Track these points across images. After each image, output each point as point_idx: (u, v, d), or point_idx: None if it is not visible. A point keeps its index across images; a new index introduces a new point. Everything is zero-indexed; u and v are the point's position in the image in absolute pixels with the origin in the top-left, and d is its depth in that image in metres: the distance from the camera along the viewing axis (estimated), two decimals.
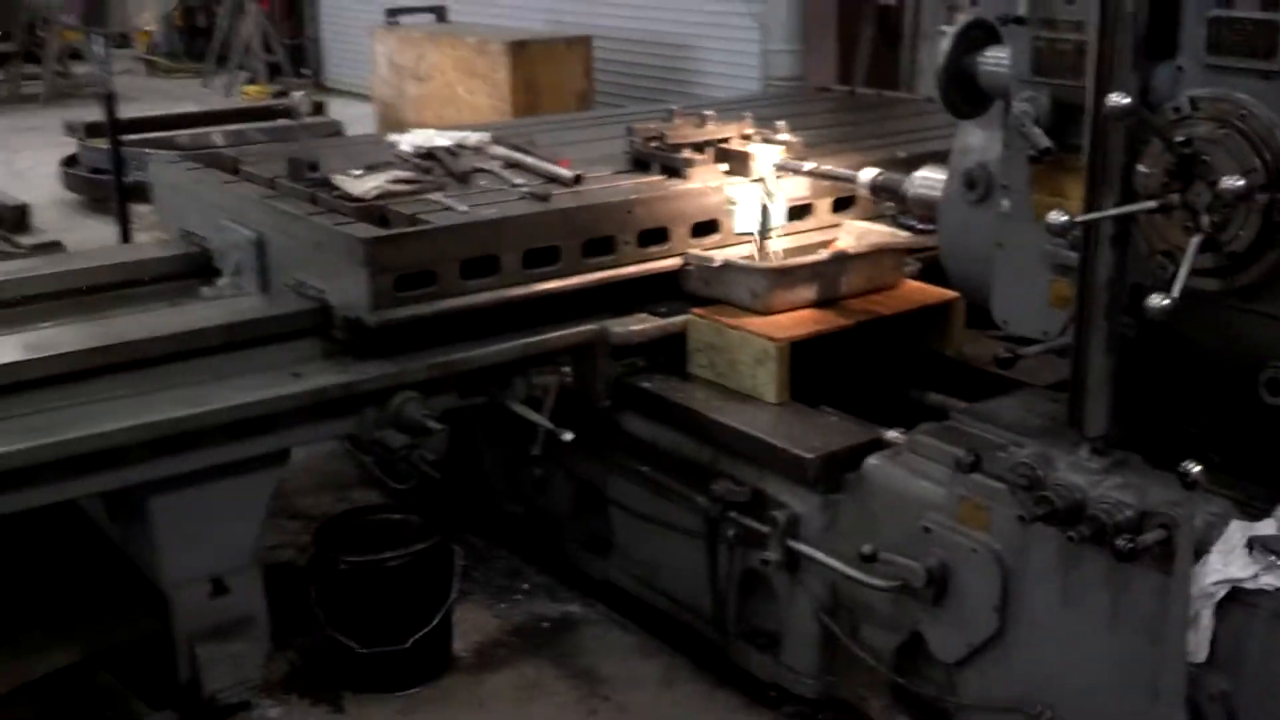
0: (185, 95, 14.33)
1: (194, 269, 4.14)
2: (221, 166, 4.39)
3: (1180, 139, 2.53)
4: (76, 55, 15.05)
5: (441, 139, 4.45)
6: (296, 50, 15.43)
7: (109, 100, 6.79)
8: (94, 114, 10.64)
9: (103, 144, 9.13)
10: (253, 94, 14.26)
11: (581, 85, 9.91)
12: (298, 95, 4.25)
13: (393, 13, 11.26)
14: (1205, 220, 2.51)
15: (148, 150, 8.60)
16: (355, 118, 10.98)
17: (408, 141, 4.44)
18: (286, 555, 4.31)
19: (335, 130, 9.79)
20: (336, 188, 3.82)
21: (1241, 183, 2.40)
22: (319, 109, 10.92)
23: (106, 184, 8.96)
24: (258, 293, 3.81)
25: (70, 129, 9.98)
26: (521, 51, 9.72)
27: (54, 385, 3.22)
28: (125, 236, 6.76)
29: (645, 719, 3.65)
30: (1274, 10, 2.48)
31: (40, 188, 9.52)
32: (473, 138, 4.50)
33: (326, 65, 15.61)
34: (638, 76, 10.28)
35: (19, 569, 3.58)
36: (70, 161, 9.73)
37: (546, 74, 9.84)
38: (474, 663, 3.91)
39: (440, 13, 11.38)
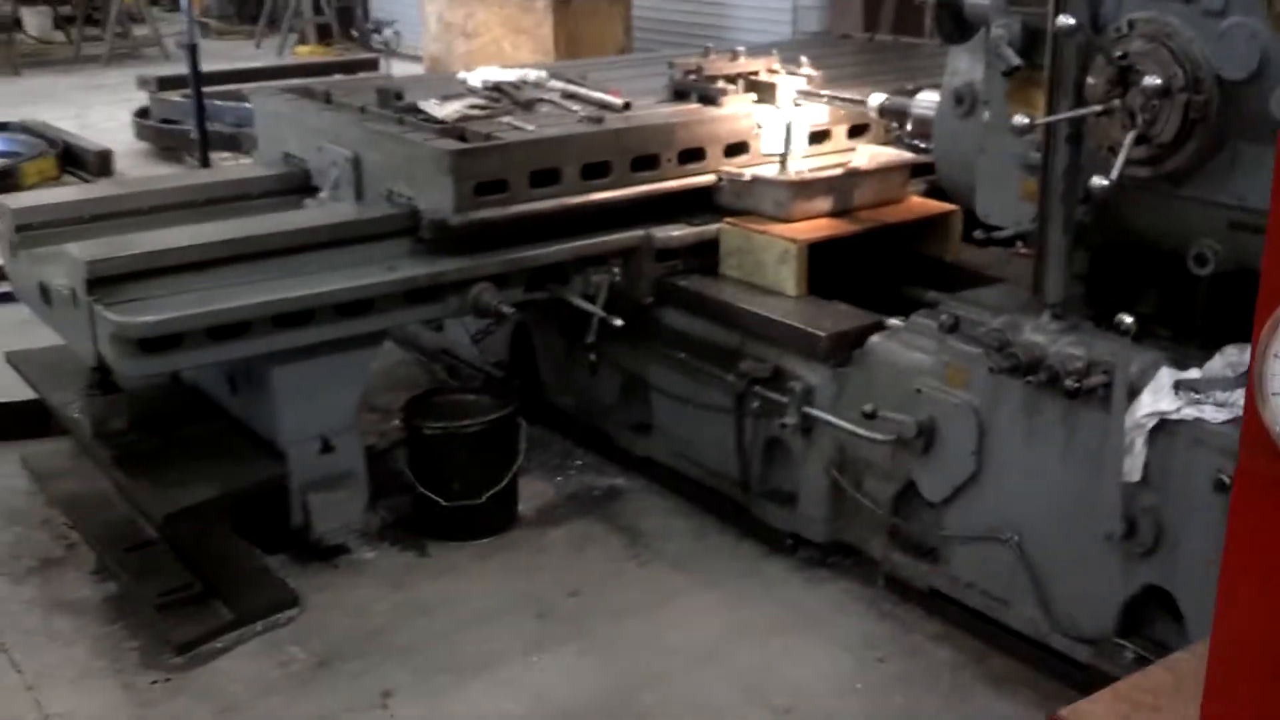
0: (239, 56, 14.99)
1: (295, 186, 4.78)
2: (313, 98, 5.04)
3: (1119, 54, 3.13)
4: (134, 18, 15.78)
5: (505, 75, 5.08)
6: (345, 12, 16.07)
7: (193, 51, 7.45)
8: (158, 71, 11.41)
9: (176, 96, 9.89)
10: (304, 54, 14.94)
11: (621, 40, 10.47)
12: (388, 31, 4.82)
13: None
14: (1139, 118, 3.11)
15: (218, 101, 9.32)
16: (407, 73, 11.61)
17: (476, 77, 5.07)
18: (369, 441, 4.98)
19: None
20: (422, 112, 4.46)
21: (1160, 81, 3.00)
22: (375, 65, 11.63)
23: (176, 133, 9.70)
24: (355, 202, 4.45)
25: (143, 82, 10.67)
26: (565, 8, 10.29)
27: (194, 270, 3.88)
28: None
29: (681, 563, 4.28)
30: None
31: (113, 138, 10.19)
32: (532, 74, 5.12)
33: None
34: (674, 32, 10.83)
35: (159, 432, 4.25)
36: (142, 113, 10.41)
37: (588, 29, 10.41)
38: (536, 520, 4.56)
39: None
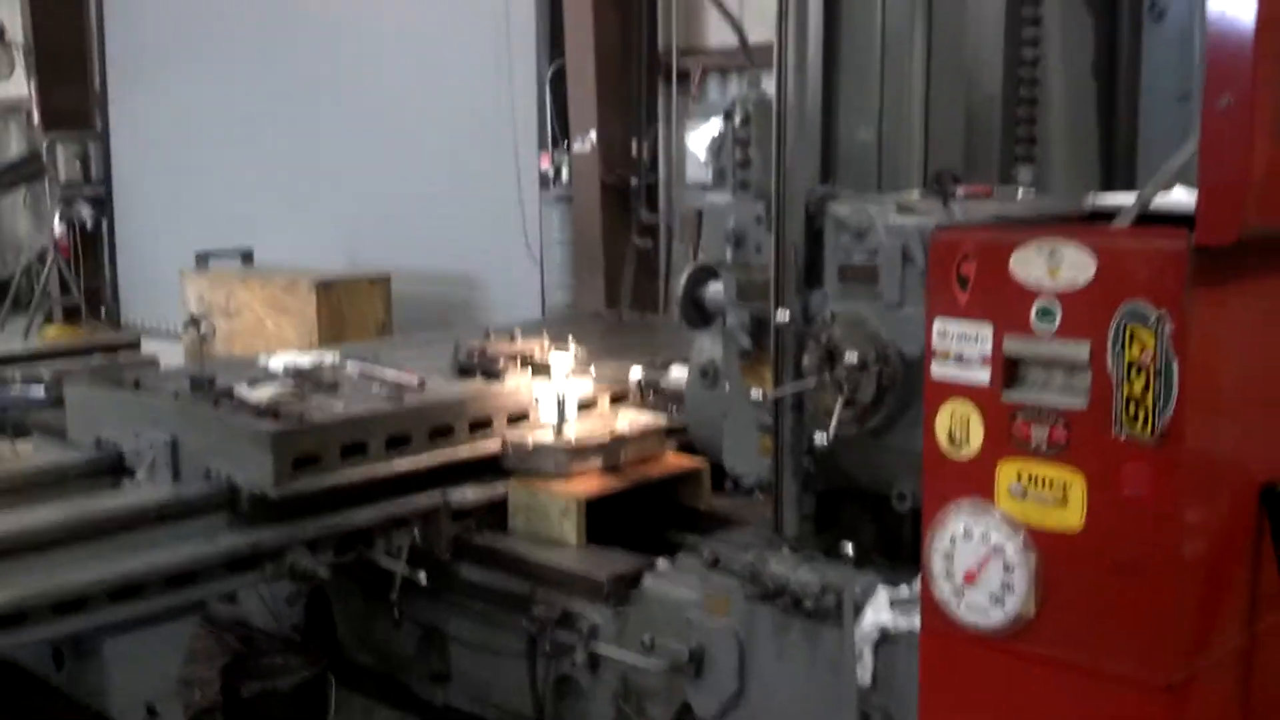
0: None
1: (109, 468, 5.19)
2: (123, 385, 5.50)
3: (825, 338, 4.00)
4: None
5: (303, 359, 5.68)
6: (93, 293, 16.31)
7: None
8: None
9: None
10: (52, 336, 15.01)
11: (382, 318, 11.20)
12: (204, 324, 5.36)
13: (202, 256, 12.45)
14: (845, 387, 3.95)
15: None
16: (162, 352, 11.95)
17: (276, 362, 5.64)
18: None
19: (153, 363, 10.81)
20: (236, 396, 4.99)
21: (857, 356, 3.87)
22: (135, 345, 11.96)
23: None
24: (173, 481, 4.89)
25: None
26: (328, 290, 10.99)
27: (35, 550, 4.24)
28: None
29: None
30: (875, 257, 4.00)
31: None
32: (328, 358, 5.74)
33: (124, 307, 16.50)
34: (432, 308, 11.64)
35: None
36: None
37: (351, 309, 11.10)
38: None
39: (248, 255, 12.63)
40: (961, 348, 2.11)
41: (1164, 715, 2.00)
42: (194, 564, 4.43)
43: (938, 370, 2.15)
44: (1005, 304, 2.06)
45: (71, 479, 5.12)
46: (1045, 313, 2.03)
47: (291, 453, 4.64)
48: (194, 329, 5.13)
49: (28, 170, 13.54)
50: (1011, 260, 2.04)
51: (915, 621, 3.86)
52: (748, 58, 4.72)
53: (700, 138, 7.17)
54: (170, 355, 11.66)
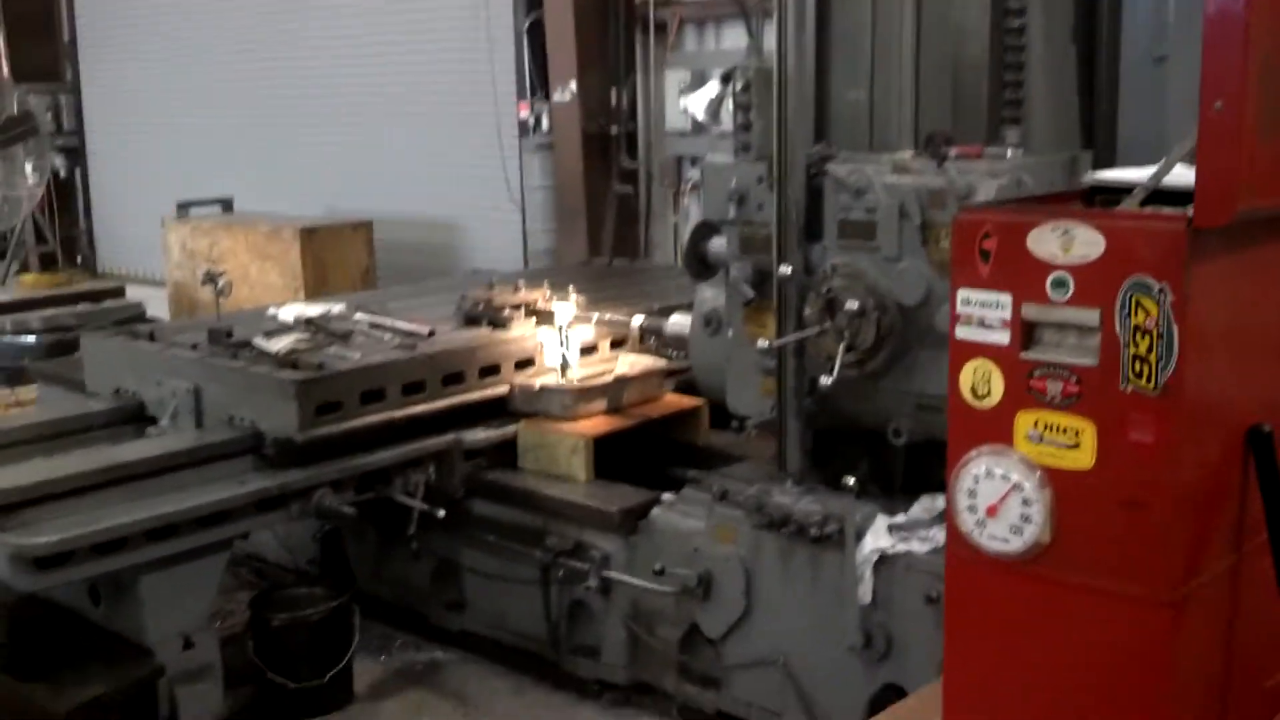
0: None
1: (131, 417, 5.40)
2: (138, 338, 5.70)
3: (826, 289, 4.28)
4: None
5: (312, 310, 5.89)
6: (68, 241, 16.32)
7: None
8: None
9: None
10: (29, 283, 15.05)
11: (365, 263, 11.32)
12: (221, 282, 5.54)
13: (183, 205, 12.53)
14: (845, 334, 4.24)
15: None
16: (144, 299, 12.09)
17: (286, 313, 5.85)
18: None
19: (139, 312, 10.99)
20: (255, 347, 5.21)
21: (857, 305, 4.14)
22: (120, 293, 12.12)
23: None
24: (196, 428, 5.12)
25: None
26: (311, 236, 11.09)
27: (75, 495, 4.46)
28: None
29: (507, 717, 5.06)
30: (873, 214, 4.27)
31: None
32: (335, 309, 5.96)
33: (100, 256, 16.54)
34: (414, 254, 11.80)
35: (37, 640, 4.72)
36: None
37: (333, 255, 11.21)
38: (370, 696, 5.21)
39: (228, 204, 12.72)
40: (983, 313, 2.41)
41: (1165, 627, 2.33)
42: (225, 505, 4.67)
43: (962, 333, 2.45)
44: (1023, 276, 2.36)
45: (96, 428, 5.33)
46: (1059, 284, 2.33)
47: (315, 400, 4.89)
48: (211, 284, 5.31)
49: (24, 128, 13.56)
50: (1029, 238, 2.34)
51: (911, 545, 4.21)
52: (741, 5, 4.93)
53: (698, 99, 7.44)
54: (153, 303, 11.92)
